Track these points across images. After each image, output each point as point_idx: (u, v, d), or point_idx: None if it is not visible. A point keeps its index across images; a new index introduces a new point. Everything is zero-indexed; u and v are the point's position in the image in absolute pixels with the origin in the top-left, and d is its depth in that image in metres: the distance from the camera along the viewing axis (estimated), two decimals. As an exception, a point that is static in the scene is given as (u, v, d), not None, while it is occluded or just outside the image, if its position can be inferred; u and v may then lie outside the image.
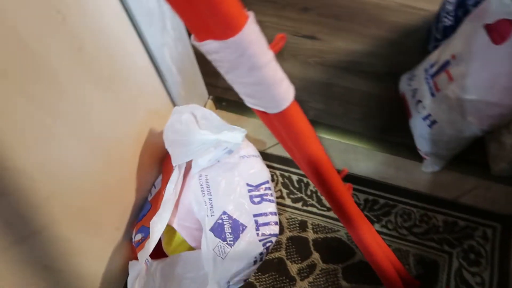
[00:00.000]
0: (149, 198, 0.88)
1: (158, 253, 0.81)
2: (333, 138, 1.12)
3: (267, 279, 0.95)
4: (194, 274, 0.78)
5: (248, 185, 0.82)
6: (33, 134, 0.51)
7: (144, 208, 0.85)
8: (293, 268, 0.96)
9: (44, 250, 0.59)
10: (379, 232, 0.99)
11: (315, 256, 0.97)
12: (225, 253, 0.74)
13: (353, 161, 1.09)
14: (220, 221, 0.77)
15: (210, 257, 0.73)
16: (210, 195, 0.79)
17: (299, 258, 0.97)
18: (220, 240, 0.75)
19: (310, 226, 1.00)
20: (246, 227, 0.77)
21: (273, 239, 0.78)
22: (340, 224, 1.01)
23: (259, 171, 0.85)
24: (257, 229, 0.78)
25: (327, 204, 1.03)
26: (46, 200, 0.56)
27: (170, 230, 0.84)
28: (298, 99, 0.51)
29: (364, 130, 1.13)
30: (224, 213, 0.78)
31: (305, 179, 1.07)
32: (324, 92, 1.19)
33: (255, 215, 0.79)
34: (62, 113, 0.55)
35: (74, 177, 0.62)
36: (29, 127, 0.49)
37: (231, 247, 0.74)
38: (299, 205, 1.03)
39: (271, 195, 0.83)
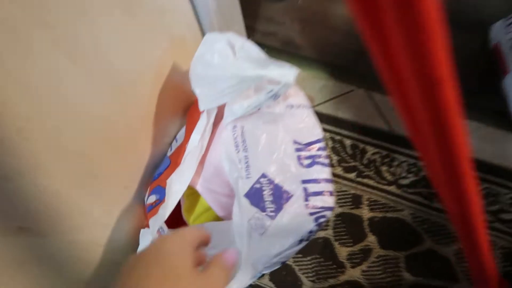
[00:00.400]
0: (169, 154, 0.70)
1: (177, 221, 0.64)
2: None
3: (308, 263, 0.77)
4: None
5: (295, 142, 0.63)
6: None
7: (162, 164, 0.67)
8: (342, 252, 0.77)
9: (20, 202, 0.42)
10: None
11: (371, 239, 0.77)
12: (264, 227, 0.55)
13: (423, 126, 0.87)
14: (258, 185, 0.59)
15: (244, 231, 0.55)
16: (246, 151, 0.61)
17: (351, 240, 0.78)
18: (257, 209, 0.57)
19: (365, 202, 0.81)
20: (291, 195, 0.59)
21: (327, 213, 0.59)
22: (404, 201, 0.80)
23: (311, 127, 0.65)
24: (306, 200, 0.59)
25: (388, 177, 0.82)
26: (18, 134, 0.39)
27: (192, 194, 0.67)
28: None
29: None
30: (264, 175, 0.59)
31: (360, 145, 0.86)
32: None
33: (304, 181, 0.60)
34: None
35: (70, 111, 0.45)
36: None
37: (272, 220, 0.56)
38: (352, 175, 0.83)
39: (325, 157, 0.64)
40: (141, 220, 0.67)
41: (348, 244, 0.77)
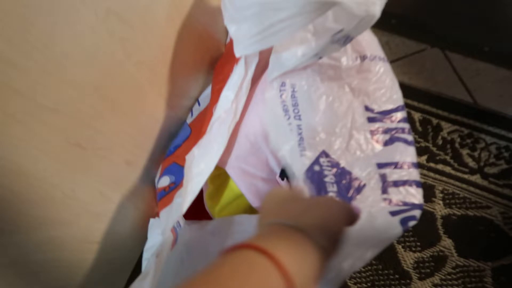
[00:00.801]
0: (189, 121, 0.52)
1: (196, 211, 0.47)
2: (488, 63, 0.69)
3: (363, 269, 0.60)
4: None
5: (368, 109, 0.45)
6: None
7: (179, 134, 0.50)
8: (407, 258, 0.59)
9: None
10: None
11: (446, 243, 0.60)
12: None
13: None
14: (318, 167, 0.41)
15: None
16: (300, 119, 0.43)
17: (419, 244, 0.60)
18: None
19: (439, 195, 0.62)
20: (364, 184, 0.41)
21: (416, 213, 0.40)
22: (491, 196, 0.61)
23: (390, 88, 0.47)
24: (385, 191, 0.41)
25: (471, 163, 0.63)
26: None
27: (219, 176, 0.49)
28: None
29: None
30: (325, 154, 0.41)
31: (434, 120, 0.67)
32: None
33: (380, 165, 0.42)
34: None
35: (42, 48, 0.27)
36: None
37: None
38: (422, 159, 0.65)
39: (409, 132, 0.45)
40: (149, 206, 0.51)
41: (416, 249, 0.60)
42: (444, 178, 0.63)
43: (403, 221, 0.40)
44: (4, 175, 0.29)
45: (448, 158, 0.64)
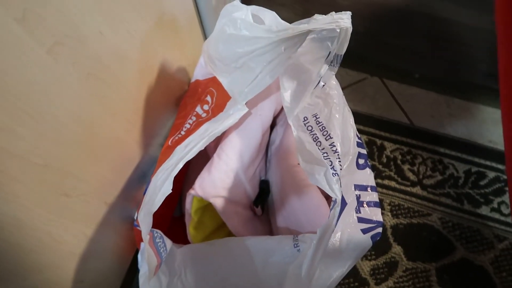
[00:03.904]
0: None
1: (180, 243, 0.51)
2: (420, 88, 0.80)
3: (327, 281, 0.66)
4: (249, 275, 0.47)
5: (356, 135, 0.50)
6: None
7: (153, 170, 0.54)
8: (364, 267, 0.66)
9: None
10: (487, 218, 0.69)
11: (396, 250, 0.67)
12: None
13: (446, 118, 0.77)
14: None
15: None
16: (331, 138, 0.45)
17: (373, 253, 0.67)
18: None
19: (387, 207, 0.70)
20: (346, 204, 0.46)
21: (380, 230, 0.47)
22: (431, 204, 0.70)
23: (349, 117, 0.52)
24: (358, 211, 0.46)
25: (411, 177, 0.72)
26: None
27: (203, 208, 0.53)
28: None
29: (454, 75, 0.81)
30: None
31: (378, 141, 0.75)
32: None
33: (357, 187, 0.48)
34: None
35: (29, 107, 0.31)
36: None
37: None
38: (371, 176, 0.72)
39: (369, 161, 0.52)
40: (127, 242, 0.54)
41: (371, 257, 0.67)
42: (390, 192, 0.72)
43: (373, 237, 0.46)
44: (4, 228, 0.32)
45: (392, 173, 0.73)
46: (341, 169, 0.42)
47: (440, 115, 0.77)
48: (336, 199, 0.38)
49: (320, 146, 0.43)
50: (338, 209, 0.38)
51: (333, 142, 0.43)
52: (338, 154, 0.42)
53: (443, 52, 0.78)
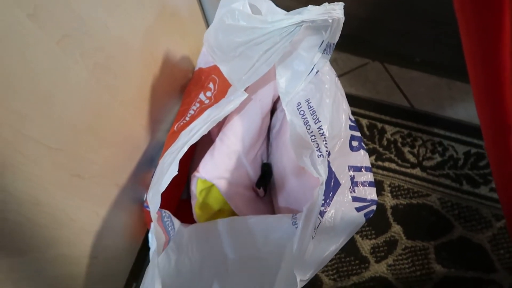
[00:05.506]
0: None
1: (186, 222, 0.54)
2: (421, 72, 0.81)
3: (329, 261, 0.68)
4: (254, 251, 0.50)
5: (349, 118, 0.52)
6: None
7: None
8: (364, 246, 0.69)
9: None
10: (486, 198, 0.71)
11: (396, 229, 0.69)
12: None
13: (446, 101, 0.78)
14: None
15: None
16: (319, 121, 0.48)
17: (373, 232, 0.69)
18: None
19: (387, 189, 0.72)
20: (340, 184, 0.48)
21: (374, 208, 0.49)
22: (430, 185, 0.72)
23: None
24: (352, 190, 0.49)
25: (411, 159, 0.74)
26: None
27: (206, 189, 0.56)
28: None
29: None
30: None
31: (379, 124, 0.77)
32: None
33: (350, 168, 0.50)
34: None
35: (41, 96, 0.34)
36: None
37: (322, 217, 0.45)
38: (371, 159, 0.75)
39: (364, 143, 0.54)
40: (136, 221, 0.58)
41: (371, 237, 0.69)
42: (390, 174, 0.74)
43: (366, 215, 0.48)
44: (23, 205, 0.36)
45: (392, 156, 0.75)
46: (327, 151, 0.44)
47: (440, 98, 0.79)
48: (320, 179, 0.41)
49: (309, 129, 0.45)
50: (323, 187, 0.40)
51: (321, 126, 0.45)
52: (324, 137, 0.44)
53: (444, 36, 0.79)
